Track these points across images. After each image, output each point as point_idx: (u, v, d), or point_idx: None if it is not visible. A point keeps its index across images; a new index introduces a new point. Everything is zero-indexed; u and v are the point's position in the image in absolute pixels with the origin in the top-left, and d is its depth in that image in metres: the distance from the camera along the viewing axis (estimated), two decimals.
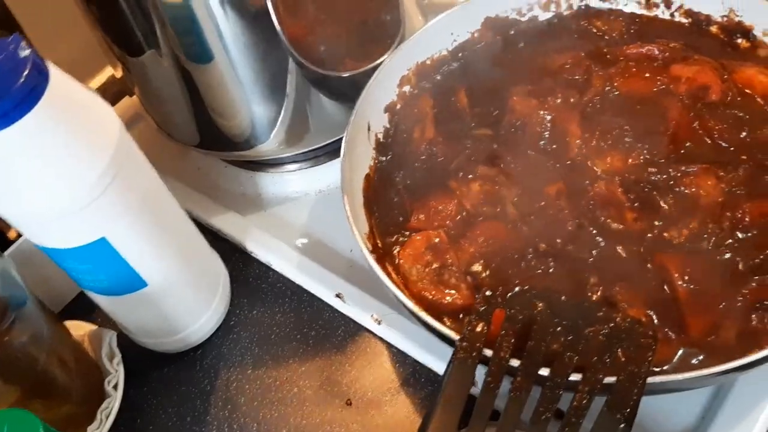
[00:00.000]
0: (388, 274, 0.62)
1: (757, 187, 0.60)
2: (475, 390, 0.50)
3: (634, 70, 0.69)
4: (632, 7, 0.75)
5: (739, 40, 0.71)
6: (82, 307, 0.72)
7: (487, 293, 0.54)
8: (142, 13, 0.64)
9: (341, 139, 0.66)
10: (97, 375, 0.67)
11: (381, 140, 0.72)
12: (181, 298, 0.65)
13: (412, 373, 0.66)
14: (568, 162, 0.65)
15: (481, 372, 0.51)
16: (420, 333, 0.64)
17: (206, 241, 0.70)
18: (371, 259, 0.59)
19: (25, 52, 0.47)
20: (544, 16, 0.77)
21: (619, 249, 0.60)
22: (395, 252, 0.64)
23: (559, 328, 0.52)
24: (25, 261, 0.63)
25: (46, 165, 0.49)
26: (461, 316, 0.60)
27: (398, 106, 0.73)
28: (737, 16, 0.70)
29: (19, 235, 0.70)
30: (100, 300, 0.64)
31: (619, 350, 0.50)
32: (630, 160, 0.64)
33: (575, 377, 0.49)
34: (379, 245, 0.65)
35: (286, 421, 0.65)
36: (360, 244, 0.59)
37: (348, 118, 0.67)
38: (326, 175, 0.81)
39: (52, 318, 0.63)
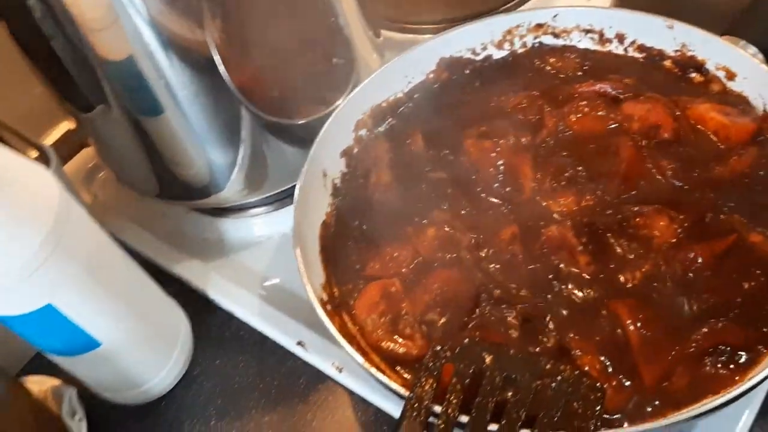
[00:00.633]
0: (344, 325, 0.62)
1: (709, 227, 0.60)
2: None
3: (587, 109, 0.68)
4: (586, 43, 0.75)
5: (693, 75, 0.71)
6: (46, 361, 0.72)
7: (436, 348, 0.54)
8: (87, 70, 0.64)
9: None
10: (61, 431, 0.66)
11: (338, 186, 0.71)
12: (137, 354, 0.65)
13: (374, 420, 0.66)
14: (522, 205, 0.65)
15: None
16: None
17: (164, 293, 0.70)
18: (321, 313, 0.58)
19: None
20: (498, 54, 0.76)
21: (573, 294, 0.60)
22: (351, 302, 0.64)
23: (507, 383, 0.51)
24: None
25: None
26: (417, 365, 0.59)
27: (355, 150, 0.73)
28: (689, 50, 0.70)
29: None
30: (57, 359, 0.64)
31: (568, 403, 0.49)
32: (583, 202, 0.64)
33: None
34: (336, 294, 0.65)
35: None
36: (311, 298, 0.59)
37: None
38: (290, 218, 0.79)
39: (10, 380, 0.63)
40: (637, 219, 0.61)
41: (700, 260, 0.58)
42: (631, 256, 0.60)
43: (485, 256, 0.63)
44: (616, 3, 0.84)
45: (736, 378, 0.53)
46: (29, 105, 0.80)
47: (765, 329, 0.54)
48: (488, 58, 0.76)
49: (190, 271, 0.77)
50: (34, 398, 0.67)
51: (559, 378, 0.51)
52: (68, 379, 0.68)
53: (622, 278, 0.59)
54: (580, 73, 0.74)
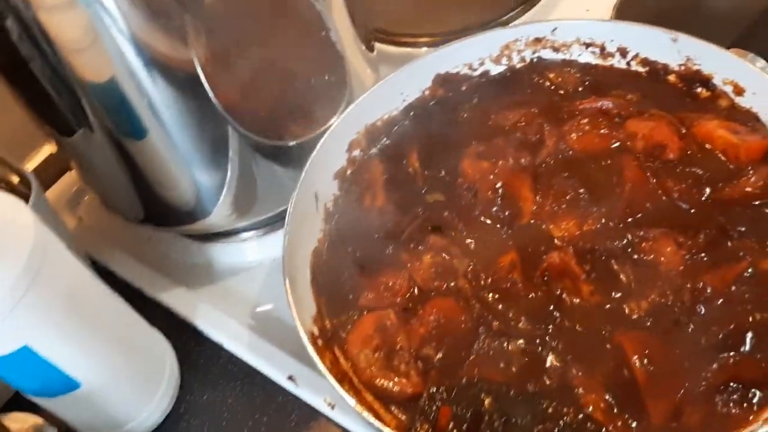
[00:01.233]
0: (336, 361, 0.59)
1: (719, 253, 0.57)
2: None
3: (588, 127, 0.66)
4: (587, 57, 0.72)
5: (699, 89, 0.67)
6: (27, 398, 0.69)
7: (432, 390, 0.51)
8: (67, 93, 0.61)
9: None
10: None
11: (330, 210, 0.69)
12: (120, 393, 0.62)
13: None
14: (522, 229, 0.62)
15: None
16: None
17: (148, 326, 0.67)
18: (311, 351, 0.56)
19: None
20: (496, 69, 0.74)
21: (577, 325, 0.57)
22: (344, 335, 0.61)
23: (507, 427, 0.49)
24: None
25: None
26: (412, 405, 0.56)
27: (348, 172, 0.70)
28: (695, 64, 0.67)
29: None
30: (37, 400, 0.61)
31: None
32: (585, 226, 0.61)
33: None
34: (328, 327, 0.62)
35: None
36: (301, 335, 0.56)
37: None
38: (280, 243, 0.77)
39: None
40: (643, 244, 0.59)
41: (709, 289, 0.55)
42: (637, 285, 0.57)
43: (483, 285, 0.60)
44: (618, 15, 0.81)
45: (750, 417, 0.50)
46: (10, 127, 0.78)
47: None
48: (486, 73, 0.73)
49: (176, 299, 0.75)
50: None
51: (561, 423, 0.48)
52: (51, 416, 0.65)
53: (626, 309, 0.57)
54: (581, 89, 0.71)
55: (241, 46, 0.62)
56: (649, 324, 0.55)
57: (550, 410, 0.49)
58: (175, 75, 0.60)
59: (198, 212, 0.71)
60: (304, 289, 0.62)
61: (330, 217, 0.68)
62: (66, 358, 0.56)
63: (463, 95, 0.73)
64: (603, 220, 0.61)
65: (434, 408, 0.50)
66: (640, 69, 0.70)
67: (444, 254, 0.63)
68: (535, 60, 0.73)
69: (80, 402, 0.60)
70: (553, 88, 0.71)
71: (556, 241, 0.61)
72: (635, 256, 0.58)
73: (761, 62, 0.65)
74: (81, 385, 0.58)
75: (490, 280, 0.60)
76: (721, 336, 0.53)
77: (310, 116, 0.70)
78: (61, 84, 0.61)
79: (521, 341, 0.57)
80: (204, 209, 0.71)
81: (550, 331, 0.57)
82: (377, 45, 0.81)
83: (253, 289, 0.75)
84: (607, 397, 0.53)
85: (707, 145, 0.63)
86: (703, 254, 0.57)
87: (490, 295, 0.60)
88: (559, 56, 0.72)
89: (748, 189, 0.60)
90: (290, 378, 0.67)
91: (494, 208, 0.64)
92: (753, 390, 0.51)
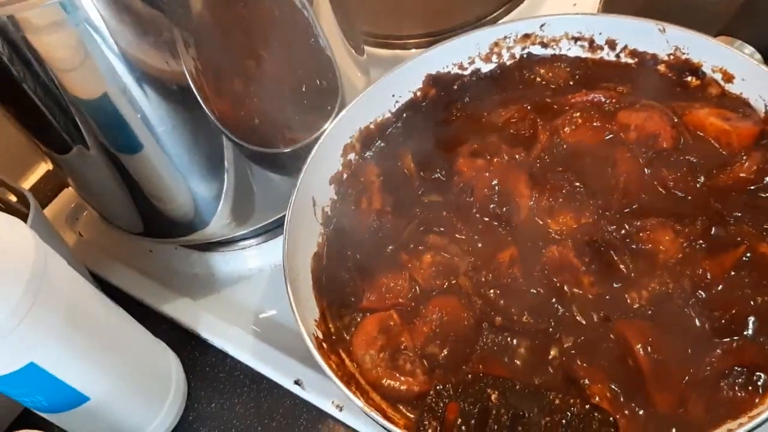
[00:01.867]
0: (341, 364, 0.59)
1: (716, 239, 0.57)
2: None
3: (581, 120, 0.66)
4: (576, 51, 0.72)
5: (689, 78, 0.68)
6: (37, 414, 0.69)
7: (438, 387, 0.51)
8: (61, 111, 0.61)
9: None
10: None
11: (328, 214, 0.69)
12: (129, 404, 0.62)
13: None
14: (520, 225, 0.63)
15: None
16: None
17: (153, 337, 0.67)
18: (317, 355, 0.56)
19: None
20: (486, 67, 0.74)
21: (579, 317, 0.57)
22: (348, 337, 0.61)
23: (515, 420, 0.49)
24: None
25: None
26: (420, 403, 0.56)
27: (344, 176, 0.71)
28: (684, 54, 0.67)
29: None
30: (46, 415, 0.61)
31: None
32: (583, 219, 0.61)
33: None
34: (332, 330, 0.62)
35: None
36: (306, 339, 0.56)
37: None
38: (280, 249, 0.77)
39: None
40: (641, 234, 0.59)
41: (709, 276, 0.56)
42: (637, 274, 0.57)
43: (484, 281, 0.60)
44: (605, 8, 0.81)
45: (756, 401, 0.50)
46: (5, 146, 0.78)
47: None
48: (476, 72, 0.74)
49: (180, 309, 0.75)
50: None
51: (569, 413, 0.48)
52: None
53: (628, 298, 0.57)
54: (571, 83, 0.71)
55: (231, 57, 0.62)
56: (650, 313, 0.56)
57: (557, 402, 0.49)
58: (167, 89, 0.60)
59: (197, 223, 0.72)
60: (306, 293, 0.63)
61: (328, 221, 0.69)
62: (72, 373, 0.56)
63: (454, 94, 0.73)
64: (600, 212, 0.61)
65: (442, 405, 0.50)
66: (630, 60, 0.70)
67: (444, 253, 0.63)
68: (524, 56, 0.73)
69: (89, 416, 0.60)
70: (544, 83, 0.72)
71: (554, 235, 0.61)
72: (634, 246, 0.59)
73: (749, 49, 0.66)
74: (89, 399, 0.58)
75: (490, 276, 0.61)
76: (723, 321, 0.54)
77: (303, 122, 0.71)
78: (54, 103, 0.61)
79: (524, 336, 0.57)
80: (202, 219, 0.71)
81: (553, 324, 0.57)
82: (367, 48, 0.81)
83: (256, 296, 0.76)
84: (612, 386, 0.53)
85: (700, 133, 0.64)
86: (700, 241, 0.58)
87: (492, 291, 0.60)
88: (549, 51, 0.73)
89: (742, 174, 0.61)
90: (297, 382, 0.67)
91: (491, 206, 0.64)
92: (757, 373, 0.51)
